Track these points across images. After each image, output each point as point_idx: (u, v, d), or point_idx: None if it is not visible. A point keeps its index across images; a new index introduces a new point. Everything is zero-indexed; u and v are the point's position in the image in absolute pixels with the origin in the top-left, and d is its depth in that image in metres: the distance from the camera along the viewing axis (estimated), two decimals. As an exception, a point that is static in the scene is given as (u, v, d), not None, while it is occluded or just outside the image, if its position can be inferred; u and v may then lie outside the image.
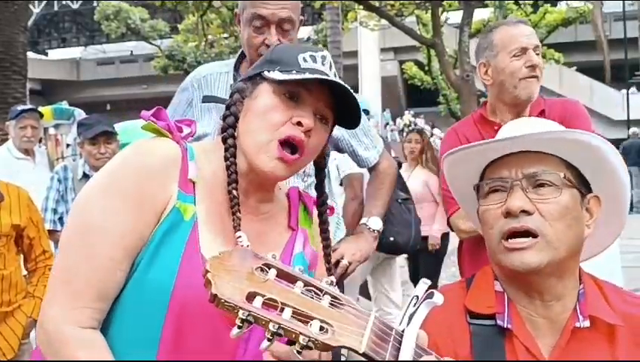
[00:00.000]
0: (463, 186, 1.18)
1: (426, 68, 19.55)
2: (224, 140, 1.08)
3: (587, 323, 1.05)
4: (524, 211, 1.02)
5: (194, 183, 1.05)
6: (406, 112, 23.90)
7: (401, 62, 24.62)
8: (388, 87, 25.57)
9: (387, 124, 23.43)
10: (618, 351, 1.05)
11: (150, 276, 0.99)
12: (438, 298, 0.80)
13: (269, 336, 0.76)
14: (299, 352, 0.76)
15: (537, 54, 1.91)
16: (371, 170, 2.07)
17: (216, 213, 1.06)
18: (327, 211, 1.20)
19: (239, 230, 1.04)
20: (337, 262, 1.89)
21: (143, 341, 1.00)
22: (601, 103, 20.46)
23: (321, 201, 1.19)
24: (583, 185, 1.09)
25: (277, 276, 0.79)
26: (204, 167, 1.07)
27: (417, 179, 4.54)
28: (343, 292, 0.82)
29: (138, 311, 1.00)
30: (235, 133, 1.07)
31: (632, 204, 11.30)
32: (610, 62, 21.07)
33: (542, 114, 1.91)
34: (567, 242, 1.04)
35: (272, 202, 1.16)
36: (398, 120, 23.67)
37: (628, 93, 19.02)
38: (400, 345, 0.79)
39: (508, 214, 1.03)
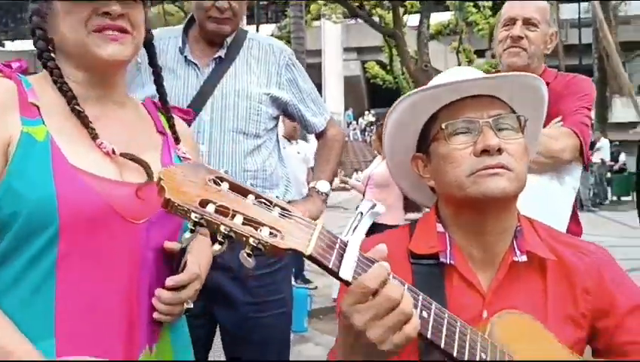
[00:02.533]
0: (405, 137, 1.22)
1: (388, 68, 19.82)
2: (45, 66, 1.11)
3: (524, 258, 1.12)
4: (498, 149, 1.08)
5: (38, 107, 1.06)
6: (366, 112, 24.15)
7: (364, 62, 24.90)
8: (351, 87, 25.77)
9: (350, 123, 23.63)
10: (549, 282, 1.13)
11: (29, 204, 0.98)
12: (380, 208, 0.85)
13: (220, 239, 0.80)
14: (249, 255, 0.81)
15: (532, 28, 1.94)
16: (319, 137, 2.13)
17: (73, 127, 1.08)
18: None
19: (98, 138, 1.08)
20: None
21: (42, 269, 1.00)
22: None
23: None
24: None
25: (229, 188, 0.83)
26: (44, 91, 1.10)
27: (383, 167, 4.64)
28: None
29: (28, 246, 1.00)
30: (54, 55, 1.11)
31: (580, 201, 11.72)
32: (566, 67, 21.75)
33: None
34: (525, 179, 1.13)
35: (128, 107, 1.21)
36: (360, 119, 23.91)
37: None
38: (344, 252, 0.84)
39: (483, 152, 1.08)
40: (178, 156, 1.22)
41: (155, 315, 1.09)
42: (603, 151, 14.31)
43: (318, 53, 22.84)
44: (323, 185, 1.99)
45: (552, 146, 1.80)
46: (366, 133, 22.30)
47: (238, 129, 1.85)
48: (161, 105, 1.28)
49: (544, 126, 1.90)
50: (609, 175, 14.95)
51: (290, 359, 2.12)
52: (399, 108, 1.18)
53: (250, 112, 1.87)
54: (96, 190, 1.03)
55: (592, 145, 14.91)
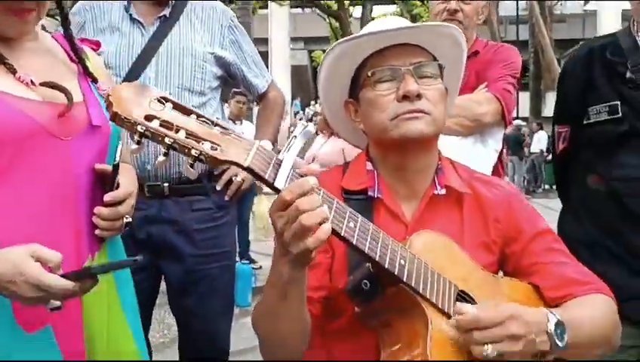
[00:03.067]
0: (338, 85, 1.31)
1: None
2: None
3: (443, 191, 1.25)
4: (418, 95, 1.19)
5: None
6: (312, 102, 24.28)
7: (311, 52, 25.01)
8: (298, 76, 25.85)
9: (297, 113, 23.69)
10: (465, 213, 1.26)
11: None
12: (311, 128, 0.95)
13: (165, 150, 0.88)
14: (191, 165, 0.89)
15: (466, 1, 2.04)
16: (261, 99, 2.21)
17: None
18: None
19: (16, 72, 1.13)
20: (230, 180, 2.02)
21: None
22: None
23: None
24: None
25: (173, 108, 0.90)
26: None
27: (333, 146, 4.68)
28: None
29: None
30: None
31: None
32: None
33: (475, 54, 2.11)
34: (443, 121, 1.25)
35: (41, 39, 1.26)
36: (308, 109, 24.01)
37: (517, 92, 20.56)
38: (279, 167, 0.94)
39: (404, 98, 1.18)
40: (100, 94, 1.27)
41: (97, 232, 1.16)
42: (542, 142, 14.95)
43: (264, 41, 22.77)
44: (266, 145, 2.08)
45: (476, 110, 1.95)
46: (313, 122, 22.34)
47: (184, 86, 1.91)
48: (70, 45, 1.30)
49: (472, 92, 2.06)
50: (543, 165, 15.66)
51: (234, 331, 2.19)
52: (330, 56, 1.27)
53: (194, 70, 1.94)
54: (22, 109, 1.09)
55: (532, 135, 15.63)
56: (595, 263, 1.67)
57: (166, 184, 1.95)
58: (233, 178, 2.02)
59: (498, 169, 2.11)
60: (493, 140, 2.06)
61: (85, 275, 1.05)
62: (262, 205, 7.42)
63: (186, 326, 2.09)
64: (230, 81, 2.15)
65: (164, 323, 3.82)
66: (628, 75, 1.66)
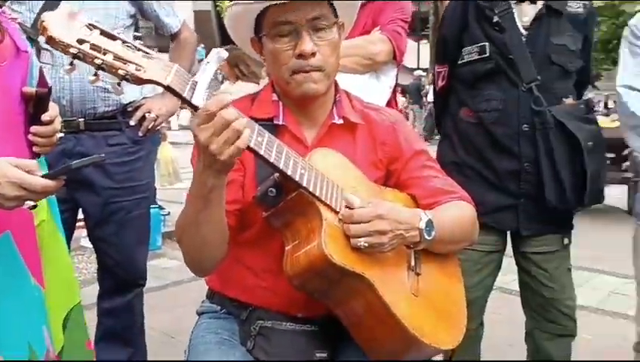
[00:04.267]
0: (243, 28, 1.40)
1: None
2: None
3: (341, 121, 1.43)
4: (313, 53, 1.31)
5: None
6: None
7: (215, -1, 24.25)
8: (201, 23, 24.99)
9: (200, 60, 23.06)
10: (357, 138, 1.45)
11: None
12: (223, 53, 1.11)
13: (95, 70, 1.01)
14: (118, 84, 1.03)
15: None
16: (173, 38, 2.30)
17: None
18: None
19: None
20: (143, 117, 2.13)
21: None
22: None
23: None
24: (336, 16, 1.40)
25: (100, 34, 1.03)
26: None
27: (240, 91, 4.76)
28: None
29: None
30: None
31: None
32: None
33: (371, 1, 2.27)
34: (336, 69, 1.40)
35: None
36: (212, 57, 23.37)
37: (419, 44, 21.30)
38: (196, 86, 1.09)
39: (300, 56, 1.30)
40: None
41: (36, 149, 1.28)
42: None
43: (165, -14, 21.76)
44: None
45: (370, 49, 2.17)
46: (219, 71, 21.90)
47: (95, 21, 1.96)
48: None
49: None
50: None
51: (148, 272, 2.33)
52: (232, 9, 1.37)
53: (108, 6, 2.00)
54: None
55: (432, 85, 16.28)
56: (466, 183, 1.98)
57: (81, 119, 2.03)
58: (146, 114, 2.13)
59: (392, 103, 2.35)
60: (386, 77, 2.29)
61: (61, 173, 1.17)
62: (165, 152, 7.40)
63: (104, 254, 2.21)
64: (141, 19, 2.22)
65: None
66: (495, 19, 1.93)
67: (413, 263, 1.34)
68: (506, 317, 2.21)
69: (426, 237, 1.29)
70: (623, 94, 1.87)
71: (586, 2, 1.98)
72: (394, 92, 2.39)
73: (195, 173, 1.15)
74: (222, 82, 5.51)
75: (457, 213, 1.43)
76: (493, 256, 2.05)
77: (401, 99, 18.60)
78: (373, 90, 2.21)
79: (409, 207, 1.41)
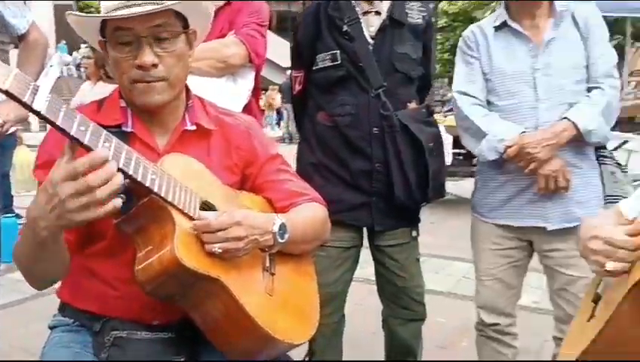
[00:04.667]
0: (89, 30, 1.36)
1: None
2: None
3: (193, 127, 1.44)
4: (154, 64, 1.29)
5: None
6: (82, 45, 22.36)
7: (75, -9, 22.81)
8: (63, 17, 23.41)
9: (63, 55, 21.60)
10: (212, 143, 1.47)
11: None
12: (66, 57, 1.08)
13: None
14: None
15: None
16: (21, 40, 2.18)
17: None
18: None
19: None
20: None
21: None
22: (272, 51, 22.66)
23: None
24: (186, 25, 1.39)
25: None
26: None
27: (101, 92, 4.57)
28: None
29: None
30: None
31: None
32: (277, 13, 23.46)
33: (228, 4, 2.30)
34: (182, 79, 1.39)
35: None
36: (75, 53, 22.04)
37: (290, 43, 21.62)
38: (37, 91, 1.04)
39: (140, 67, 1.29)
40: None
41: None
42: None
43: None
44: None
45: (224, 52, 2.20)
46: (82, 69, 20.66)
47: None
48: None
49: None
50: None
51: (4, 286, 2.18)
52: (70, 17, 1.33)
53: None
54: None
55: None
56: (324, 183, 2.09)
57: None
58: None
59: (252, 106, 2.40)
60: (243, 80, 2.33)
61: None
62: (22, 156, 6.87)
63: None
64: None
65: None
66: (344, 28, 2.06)
67: (267, 264, 1.40)
68: (370, 306, 2.38)
69: (280, 240, 1.35)
70: (458, 99, 2.08)
71: (425, 14, 2.16)
72: (255, 95, 2.44)
73: (34, 214, 1.07)
74: (87, 79, 5.25)
75: (310, 214, 1.51)
76: (351, 252, 2.18)
77: (278, 98, 18.86)
78: (230, 93, 2.25)
79: (264, 210, 1.46)
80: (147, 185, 1.19)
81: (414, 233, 2.20)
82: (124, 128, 1.37)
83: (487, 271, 2.10)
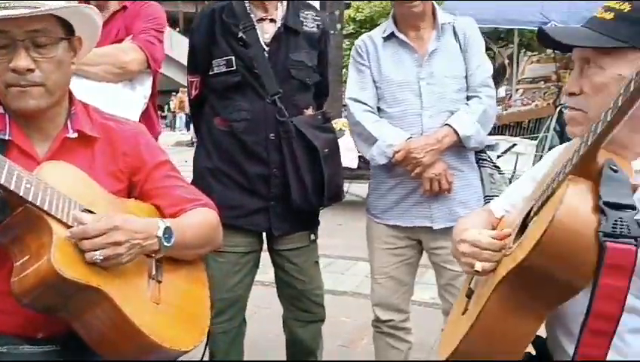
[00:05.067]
0: None
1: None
2: None
3: (75, 135, 1.40)
4: (30, 69, 1.26)
5: None
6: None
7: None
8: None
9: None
10: (96, 149, 1.44)
11: None
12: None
13: None
14: None
15: None
16: None
17: None
18: None
19: None
20: None
21: None
22: (182, 53, 22.19)
23: None
24: (69, 32, 1.37)
25: None
26: None
27: None
28: None
29: None
30: None
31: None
32: (184, 14, 23.08)
33: (124, 9, 2.25)
34: (62, 86, 1.35)
35: None
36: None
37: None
38: None
39: (14, 71, 1.25)
40: None
41: None
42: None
43: None
44: None
45: (122, 58, 2.15)
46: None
47: None
48: None
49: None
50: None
51: None
52: None
53: None
54: None
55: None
56: (221, 188, 2.09)
57: None
58: None
59: (150, 112, 2.36)
60: (141, 86, 2.29)
61: None
62: None
63: None
64: None
65: None
66: (239, 34, 2.07)
67: (154, 271, 1.39)
68: (276, 309, 2.41)
69: (165, 244, 1.34)
70: (350, 106, 2.15)
71: (320, 23, 2.21)
72: (153, 101, 2.40)
73: None
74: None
75: (200, 219, 1.50)
76: (250, 257, 2.19)
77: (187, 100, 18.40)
78: (127, 100, 2.20)
79: (153, 217, 1.44)
80: (21, 194, 1.16)
81: (313, 236, 2.25)
82: (1, 136, 1.32)
83: (380, 269, 2.19)
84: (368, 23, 17.53)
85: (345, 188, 6.58)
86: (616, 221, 0.95)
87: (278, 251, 2.22)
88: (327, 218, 2.34)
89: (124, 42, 2.23)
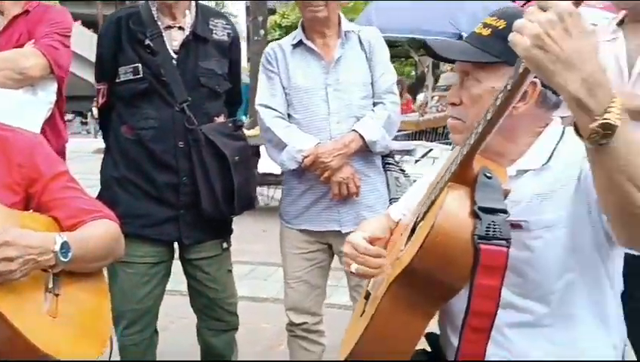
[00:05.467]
0: None
1: None
2: None
3: None
4: None
5: None
6: None
7: None
8: None
9: None
10: None
11: None
12: None
13: None
14: None
15: None
16: None
17: None
18: None
19: None
20: None
21: None
22: (91, 52, 21.48)
23: None
24: None
25: None
26: None
27: None
28: None
29: None
30: None
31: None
32: (104, 17, 22.31)
33: (26, 13, 2.20)
34: None
35: None
36: None
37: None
38: None
39: None
40: None
41: None
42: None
43: None
44: None
45: (23, 63, 2.08)
46: None
47: None
48: None
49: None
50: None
51: None
52: None
53: None
54: None
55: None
56: (127, 197, 2.06)
57: None
58: None
59: (55, 117, 2.28)
60: (44, 92, 2.22)
61: None
62: None
63: None
64: None
65: None
66: (146, 42, 2.05)
67: (51, 285, 1.35)
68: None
69: (62, 259, 1.32)
70: (260, 112, 2.18)
71: (230, 32, 2.22)
72: (59, 107, 2.32)
73: None
74: None
75: (100, 231, 1.48)
76: (160, 267, 2.16)
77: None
78: (29, 106, 2.13)
79: (50, 229, 1.41)
80: None
81: (225, 245, 2.25)
82: None
83: (293, 274, 2.23)
84: (294, 30, 17.59)
85: (270, 194, 6.59)
86: (489, 224, 1.03)
87: (189, 260, 2.21)
88: (250, 224, 2.35)
89: (25, 47, 2.16)
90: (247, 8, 8.18)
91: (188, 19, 2.14)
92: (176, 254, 2.22)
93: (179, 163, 2.07)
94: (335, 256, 2.26)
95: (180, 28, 2.12)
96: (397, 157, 3.29)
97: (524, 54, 0.84)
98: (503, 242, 1.02)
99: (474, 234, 1.03)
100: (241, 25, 19.79)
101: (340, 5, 2.21)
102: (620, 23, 1.79)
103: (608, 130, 0.82)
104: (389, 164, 2.25)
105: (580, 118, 0.86)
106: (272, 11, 18.27)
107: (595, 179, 0.93)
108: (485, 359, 1.09)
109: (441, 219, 1.06)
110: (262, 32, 9.06)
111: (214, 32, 2.18)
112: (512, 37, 0.86)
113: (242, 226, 2.80)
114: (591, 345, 1.18)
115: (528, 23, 0.83)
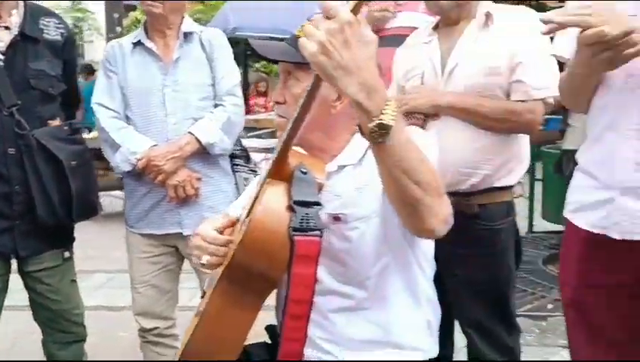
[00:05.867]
0: None
1: None
2: None
3: None
4: None
5: None
6: None
7: None
8: None
9: None
10: None
11: None
12: None
13: None
14: None
15: None
16: None
17: None
18: None
19: None
20: None
21: None
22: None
23: None
24: None
25: None
26: None
27: None
28: None
29: None
30: None
31: None
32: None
33: None
34: None
35: None
36: None
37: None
38: None
39: None
40: None
41: None
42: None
43: None
44: None
45: None
46: None
47: None
48: None
49: None
50: None
51: None
52: None
53: None
54: None
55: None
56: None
57: None
58: None
59: None
60: None
61: None
62: None
63: None
64: None
65: None
66: None
67: None
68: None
69: None
70: (96, 111, 2.13)
71: (63, 31, 2.12)
72: None
73: None
74: None
75: None
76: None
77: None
78: None
79: None
80: None
81: (67, 254, 2.15)
82: None
83: (140, 279, 2.19)
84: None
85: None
86: (303, 217, 1.11)
87: (28, 273, 2.08)
88: (112, 231, 2.26)
89: None
90: (106, 3, 7.82)
91: (15, 19, 2.01)
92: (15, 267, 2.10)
93: (10, 171, 1.95)
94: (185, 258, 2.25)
95: (7, 28, 1.99)
96: (260, 156, 3.31)
97: (311, 59, 0.92)
98: (317, 233, 1.10)
99: (289, 226, 1.09)
100: (100, 22, 18.78)
101: (185, 6, 2.21)
102: (436, 27, 1.96)
103: (384, 129, 0.93)
104: (237, 165, 2.27)
105: (361, 119, 0.96)
106: (133, 7, 17.51)
107: (379, 174, 1.04)
108: (310, 341, 1.17)
109: (259, 214, 1.11)
110: (118, 29, 8.69)
111: (45, 31, 2.07)
112: (301, 41, 0.92)
113: (101, 233, 2.71)
114: (405, 321, 1.30)
115: (315, 30, 0.91)
